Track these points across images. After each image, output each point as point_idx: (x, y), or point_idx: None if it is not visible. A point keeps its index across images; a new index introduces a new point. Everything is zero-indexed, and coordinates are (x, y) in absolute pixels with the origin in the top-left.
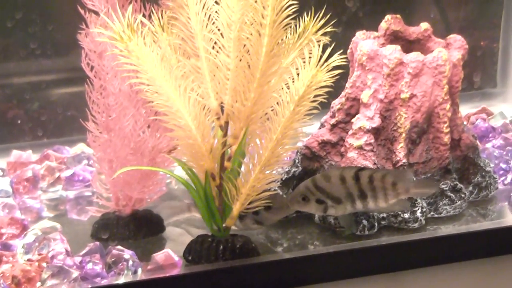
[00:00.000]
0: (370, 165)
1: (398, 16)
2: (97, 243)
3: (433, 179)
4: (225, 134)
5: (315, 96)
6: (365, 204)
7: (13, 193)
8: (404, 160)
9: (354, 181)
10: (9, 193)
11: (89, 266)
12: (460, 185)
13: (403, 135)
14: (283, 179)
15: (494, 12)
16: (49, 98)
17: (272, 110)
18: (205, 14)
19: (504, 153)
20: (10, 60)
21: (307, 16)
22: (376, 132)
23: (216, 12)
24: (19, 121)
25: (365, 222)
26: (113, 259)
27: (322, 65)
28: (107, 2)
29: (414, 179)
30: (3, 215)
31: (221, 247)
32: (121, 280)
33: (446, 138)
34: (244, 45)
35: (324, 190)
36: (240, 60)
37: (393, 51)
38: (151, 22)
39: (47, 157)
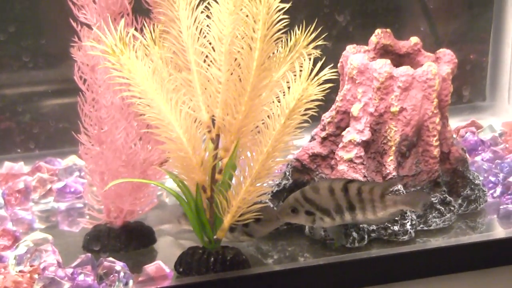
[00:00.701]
0: (360, 178)
1: (388, 30)
2: (89, 254)
3: (423, 192)
4: (216, 147)
5: (306, 109)
6: (354, 216)
7: (4, 205)
8: (394, 173)
9: (343, 193)
10: (1, 204)
11: (81, 277)
12: (449, 198)
13: (393, 148)
14: (274, 191)
15: (483, 26)
16: (41, 110)
17: (263, 123)
18: (197, 28)
19: (493, 166)
20: (2, 72)
21: (298, 30)
22: (366, 145)
23: (207, 26)
24: (10, 133)
25: (355, 234)
26: (104, 271)
27: (313, 78)
28: (99, 15)
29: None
30: None
31: (212, 259)
32: None
33: (436, 151)
34: (235, 59)
35: (313, 202)
36: (231, 74)
37: (383, 65)
38: (143, 36)
39: (39, 169)
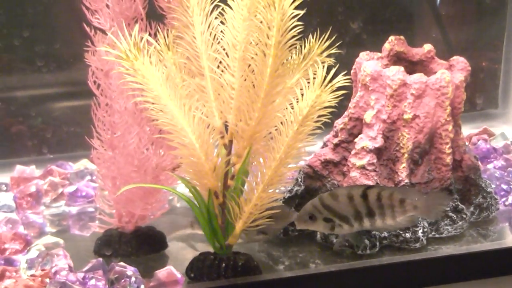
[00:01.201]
0: None
1: (402, 37)
2: (100, 259)
3: (442, 193)
4: (228, 153)
5: (319, 116)
6: (373, 222)
7: (16, 208)
8: (406, 180)
9: (362, 200)
10: (12, 208)
11: (92, 282)
12: (461, 206)
13: (406, 155)
14: (286, 197)
15: (496, 34)
16: (53, 114)
17: (276, 130)
18: (210, 34)
19: (505, 174)
20: (15, 75)
21: (312, 37)
22: (378, 152)
23: (221, 31)
24: (22, 137)
25: (366, 241)
26: (115, 276)
27: (326, 85)
28: (113, 20)
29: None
30: (6, 230)
31: (223, 264)
32: None
33: (448, 159)
34: (249, 65)
35: (332, 209)
36: (245, 80)
37: (397, 72)
38: (156, 41)
39: (51, 173)
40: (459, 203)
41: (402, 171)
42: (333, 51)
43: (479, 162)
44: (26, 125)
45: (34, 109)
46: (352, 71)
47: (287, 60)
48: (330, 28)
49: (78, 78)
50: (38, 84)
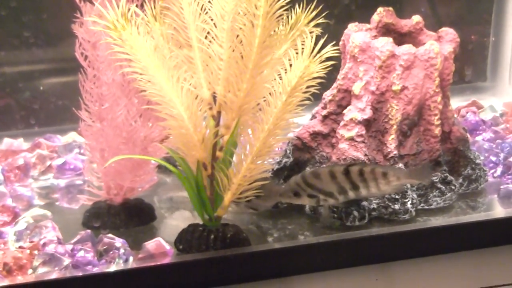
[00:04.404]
0: (361, 157)
1: (390, 8)
2: (89, 231)
3: (426, 165)
4: (217, 124)
5: (307, 87)
6: (358, 193)
7: (4, 181)
8: (395, 152)
9: (344, 176)
10: (0, 180)
11: (81, 254)
12: (450, 177)
13: (394, 127)
14: (274, 169)
15: (485, 7)
16: (41, 87)
17: (264, 101)
18: (198, 4)
19: (494, 146)
20: (2, 49)
21: (299, 7)
22: (367, 123)
23: (209, 2)
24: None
25: (355, 213)
26: (104, 247)
27: (315, 56)
28: None
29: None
30: None
31: (212, 236)
32: (112, 268)
33: (437, 131)
34: (237, 36)
35: (315, 186)
36: (233, 51)
37: (385, 44)
38: (143, 12)
39: (39, 146)
40: (448, 174)
41: (391, 143)
42: (320, 21)
43: (468, 134)
44: (14, 98)
45: (22, 82)
46: (340, 43)
47: (275, 31)
48: None
49: (67, 51)
50: (27, 58)
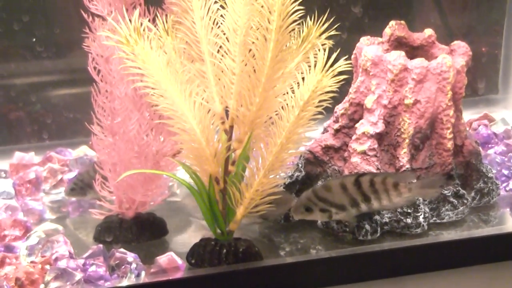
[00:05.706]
0: (373, 170)
1: (403, 22)
2: (100, 245)
3: (438, 176)
4: (229, 138)
5: (320, 101)
6: (370, 206)
7: (15, 195)
8: (407, 166)
9: (356, 187)
10: (12, 194)
11: (92, 268)
12: (462, 191)
13: (407, 140)
14: (286, 183)
15: (496, 19)
16: (52, 100)
17: (276, 115)
18: (210, 18)
19: (506, 159)
20: (14, 62)
21: (311, 20)
22: (379, 137)
23: (221, 16)
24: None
25: (367, 227)
26: (116, 262)
27: (327, 70)
28: (111, 5)
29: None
30: (6, 217)
31: (224, 250)
32: (124, 283)
33: (449, 144)
34: (250, 50)
35: (327, 200)
36: (246, 65)
37: (398, 57)
38: (155, 27)
39: (50, 159)
40: (460, 188)
41: (403, 156)
42: (332, 34)
43: (480, 147)
44: (26, 111)
45: (33, 95)
46: (352, 56)
47: (287, 45)
48: (330, 12)
49: (78, 64)
50: (38, 70)
